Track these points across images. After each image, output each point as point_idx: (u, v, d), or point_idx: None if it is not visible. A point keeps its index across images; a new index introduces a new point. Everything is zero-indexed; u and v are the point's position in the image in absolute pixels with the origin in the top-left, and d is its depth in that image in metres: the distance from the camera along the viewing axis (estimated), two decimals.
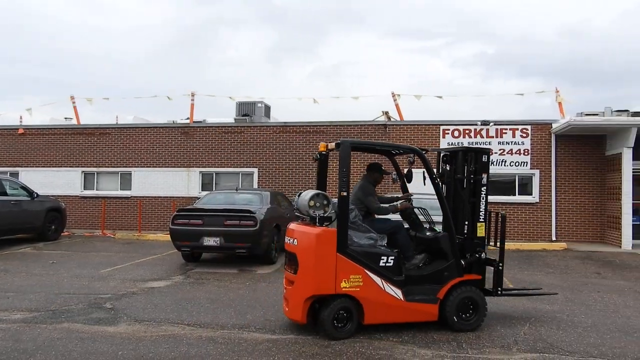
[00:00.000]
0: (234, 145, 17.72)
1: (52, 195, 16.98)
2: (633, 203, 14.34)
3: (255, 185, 17.32)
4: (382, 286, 5.98)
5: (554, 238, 15.77)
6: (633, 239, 14.26)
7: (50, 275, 9.65)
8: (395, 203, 6.97)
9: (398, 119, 17.66)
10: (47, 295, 7.94)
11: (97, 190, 18.67)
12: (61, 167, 18.78)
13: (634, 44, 56.56)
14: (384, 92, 59.53)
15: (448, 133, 16.35)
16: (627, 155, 14.10)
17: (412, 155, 6.55)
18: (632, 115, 15.04)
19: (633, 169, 14.25)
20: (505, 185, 16.20)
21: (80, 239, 15.90)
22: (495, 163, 15.74)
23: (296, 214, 6.55)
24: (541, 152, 16.00)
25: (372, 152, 8.37)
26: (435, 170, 6.73)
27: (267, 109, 19.46)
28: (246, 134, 17.68)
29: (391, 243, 6.44)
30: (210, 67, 67.64)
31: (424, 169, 6.39)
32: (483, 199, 6.51)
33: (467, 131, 16.29)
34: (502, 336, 6.12)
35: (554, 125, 15.77)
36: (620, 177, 14.23)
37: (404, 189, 7.24)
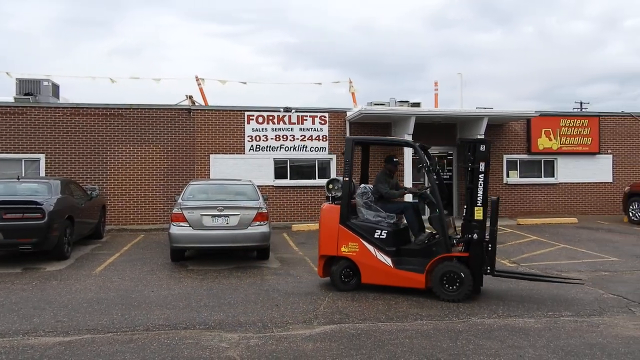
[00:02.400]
0: (14, 128, 15.53)
1: None
2: (413, 184, 16.26)
3: (43, 174, 15.48)
4: (374, 253, 7.30)
5: None
6: None
7: None
8: (403, 190, 8.53)
9: (202, 103, 17.37)
10: None
11: None
12: None
13: (414, 41, 64.11)
14: (187, 76, 57.96)
15: (252, 119, 16.60)
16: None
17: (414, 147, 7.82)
18: (411, 106, 17.05)
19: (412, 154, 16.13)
20: (307, 170, 17.06)
21: None
22: (297, 149, 16.52)
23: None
24: (338, 138, 17.15)
25: (380, 146, 10.10)
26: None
27: (55, 88, 17.42)
28: (30, 115, 15.63)
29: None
30: None
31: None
32: (481, 185, 7.11)
33: (270, 117, 16.73)
34: (304, 312, 6.50)
35: (348, 113, 17.07)
36: (403, 161, 16.05)
37: (430, 178, 7.77)
